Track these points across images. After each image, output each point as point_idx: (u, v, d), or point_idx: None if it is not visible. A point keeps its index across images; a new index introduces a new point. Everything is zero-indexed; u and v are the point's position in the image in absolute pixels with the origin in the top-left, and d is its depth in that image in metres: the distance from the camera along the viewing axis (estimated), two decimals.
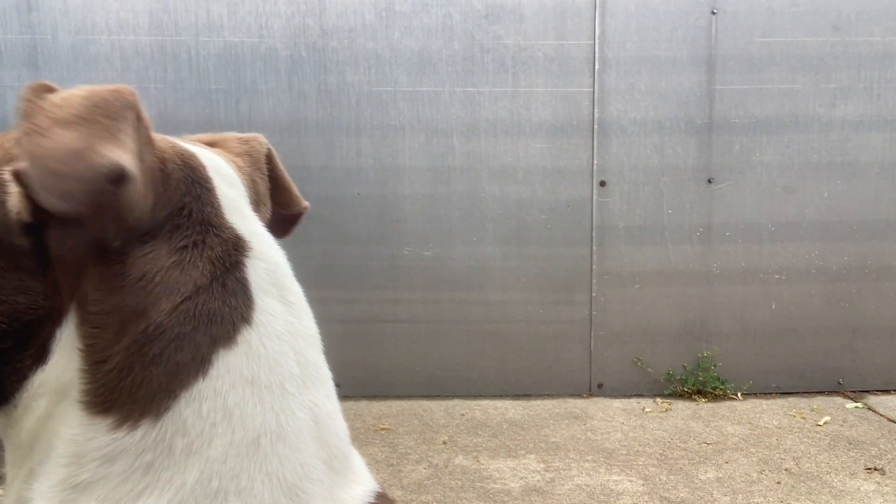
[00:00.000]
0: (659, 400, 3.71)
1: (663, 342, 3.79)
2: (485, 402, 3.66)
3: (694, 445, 3.15)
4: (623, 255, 3.75)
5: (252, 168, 0.79)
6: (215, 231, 0.62)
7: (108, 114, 0.54)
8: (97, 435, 0.56)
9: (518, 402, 3.68)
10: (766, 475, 2.86)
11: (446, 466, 2.93)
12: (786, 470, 2.90)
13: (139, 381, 0.56)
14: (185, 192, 0.62)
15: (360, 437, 3.20)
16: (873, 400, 3.71)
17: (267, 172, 0.81)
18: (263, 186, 0.80)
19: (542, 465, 2.94)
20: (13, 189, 0.57)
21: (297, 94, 3.61)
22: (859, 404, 3.65)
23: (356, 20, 3.59)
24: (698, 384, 3.73)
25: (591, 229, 3.73)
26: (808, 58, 3.68)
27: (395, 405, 3.61)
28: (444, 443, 3.17)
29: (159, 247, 0.59)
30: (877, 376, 3.85)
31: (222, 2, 3.53)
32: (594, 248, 3.73)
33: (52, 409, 0.58)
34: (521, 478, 2.84)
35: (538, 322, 3.75)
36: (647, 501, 2.65)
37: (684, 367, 3.80)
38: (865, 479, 2.82)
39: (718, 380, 3.74)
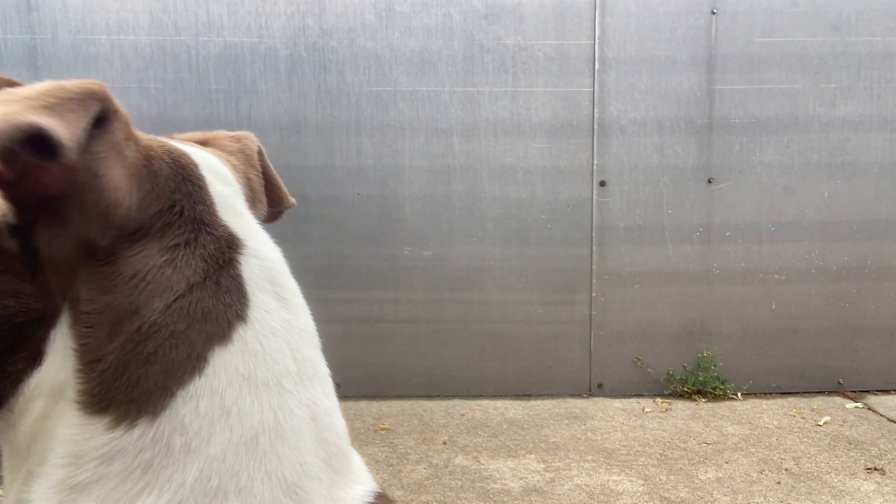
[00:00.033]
0: (659, 400, 3.71)
1: (663, 342, 3.79)
2: (485, 402, 3.66)
3: (694, 445, 3.14)
4: (623, 255, 3.75)
5: (246, 165, 0.79)
6: (208, 229, 0.62)
7: (58, 96, 0.52)
8: (95, 435, 0.56)
9: (518, 402, 3.68)
10: (766, 475, 2.86)
11: (446, 466, 2.93)
12: (786, 470, 2.90)
13: (135, 380, 0.56)
14: (175, 190, 0.61)
15: (360, 437, 3.20)
16: (873, 400, 3.71)
17: (260, 169, 0.81)
18: (258, 183, 0.80)
19: (542, 465, 2.94)
20: None
21: (297, 93, 3.61)
22: (859, 404, 3.64)
23: (356, 20, 3.59)
24: (698, 384, 3.73)
25: (591, 229, 3.73)
26: (808, 58, 3.68)
27: (395, 405, 3.61)
28: (444, 443, 3.17)
29: (151, 245, 0.59)
30: (877, 376, 3.85)
31: (222, 2, 3.53)
32: (594, 248, 3.73)
33: (49, 410, 0.58)
34: (521, 478, 2.83)
35: (538, 322, 3.75)
36: (647, 501, 2.64)
37: (684, 367, 3.80)
38: (865, 479, 2.81)
39: (718, 380, 3.74)
